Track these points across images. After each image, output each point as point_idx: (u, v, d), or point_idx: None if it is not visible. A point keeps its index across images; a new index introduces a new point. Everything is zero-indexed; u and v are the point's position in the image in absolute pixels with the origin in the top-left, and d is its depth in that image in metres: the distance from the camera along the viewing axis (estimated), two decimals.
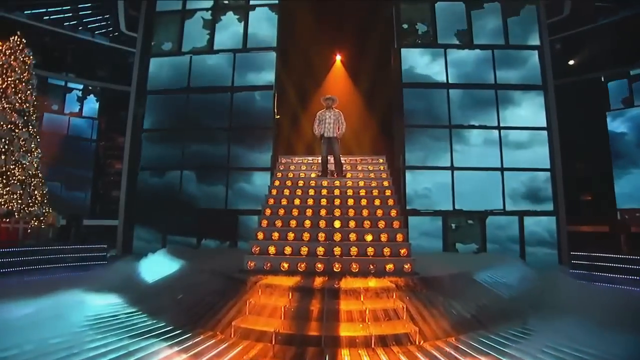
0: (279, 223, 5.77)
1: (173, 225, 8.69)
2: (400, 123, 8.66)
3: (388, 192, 6.57)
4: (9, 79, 8.45)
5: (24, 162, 8.42)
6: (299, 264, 4.88)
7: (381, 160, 7.88)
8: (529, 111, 8.51)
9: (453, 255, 7.70)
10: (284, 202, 6.36)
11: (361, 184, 6.83)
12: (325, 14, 9.76)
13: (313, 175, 7.19)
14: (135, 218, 8.84)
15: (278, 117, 9.14)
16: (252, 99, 8.90)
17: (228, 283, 4.55)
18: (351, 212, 5.95)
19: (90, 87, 12.16)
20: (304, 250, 5.13)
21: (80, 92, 11.96)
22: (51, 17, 10.14)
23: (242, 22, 9.28)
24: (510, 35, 8.81)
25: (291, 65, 9.67)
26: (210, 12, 9.43)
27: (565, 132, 8.71)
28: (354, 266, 4.83)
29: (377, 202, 6.23)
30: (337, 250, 5.08)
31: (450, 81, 8.68)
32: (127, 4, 9.78)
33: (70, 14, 10.37)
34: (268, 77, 8.90)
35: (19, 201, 8.11)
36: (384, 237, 5.35)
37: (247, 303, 3.81)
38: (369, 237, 5.34)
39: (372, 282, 4.34)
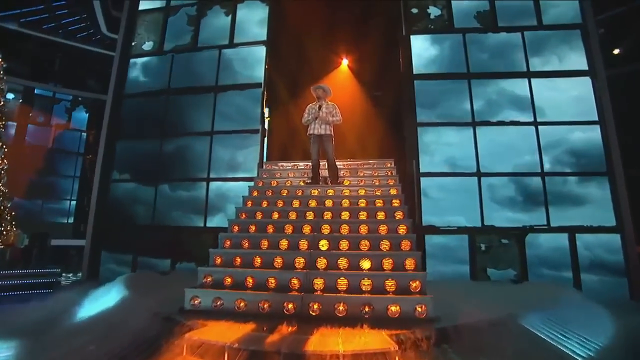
0: (245, 243, 4.36)
1: (145, 246, 7.39)
2: (411, 121, 7.17)
3: (396, 202, 5.06)
4: None
5: None
6: (261, 303, 3.39)
7: (389, 164, 6.42)
8: (572, 93, 6.82)
9: (485, 286, 5.93)
10: (259, 216, 4.96)
11: (361, 192, 5.36)
12: (324, 6, 8.66)
13: (302, 183, 5.79)
14: (103, 237, 7.64)
15: (268, 118, 7.89)
16: (237, 99, 7.73)
17: (152, 331, 3.12)
18: (344, 229, 4.46)
19: (80, 98, 11.47)
20: (272, 282, 3.65)
21: (69, 103, 11.29)
22: (27, 19, 9.55)
23: (230, 16, 8.28)
24: (544, 14, 7.30)
25: (284, 62, 8.51)
26: (195, 7, 8.52)
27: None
28: (341, 308, 3.29)
29: (380, 215, 4.71)
30: (318, 283, 3.58)
31: (471, 70, 7.20)
32: (110, 4, 9.07)
33: (47, 15, 9.75)
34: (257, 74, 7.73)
35: None
36: (387, 264, 3.80)
37: None
38: (366, 264, 3.81)
39: (365, 338, 2.78)
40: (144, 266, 7.32)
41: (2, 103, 8.13)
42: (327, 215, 4.77)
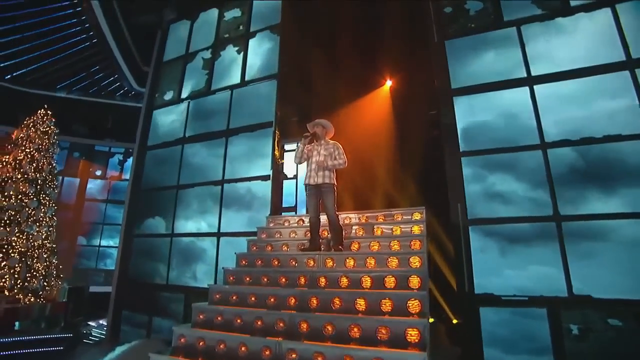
0: (201, 344, 3.33)
1: (161, 306, 6.95)
2: (453, 151, 5.48)
3: (414, 281, 3.52)
4: (26, 150, 8.41)
5: (30, 232, 8.01)
6: None
7: (417, 216, 4.81)
8: None
9: None
10: (234, 298, 3.93)
11: (370, 263, 3.97)
12: (330, 28, 7.70)
13: (299, 249, 4.60)
14: (124, 294, 7.46)
15: (282, 161, 6.99)
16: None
17: None
18: (328, 330, 3.13)
19: (130, 150, 12.35)
20: None
21: (122, 155, 12.22)
22: (76, 87, 10.71)
23: (242, 54, 7.80)
24: None
25: (299, 96, 7.66)
26: (210, 50, 8.30)
27: None
28: None
29: (386, 305, 3.26)
30: None
31: (533, 72, 5.26)
32: (140, 61, 9.53)
33: (89, 80, 10.82)
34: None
35: (15, 276, 7.52)
36: None
37: None
38: None
39: None
40: (158, 330, 6.86)
41: (53, 165, 8.80)
42: (313, 302, 3.50)
